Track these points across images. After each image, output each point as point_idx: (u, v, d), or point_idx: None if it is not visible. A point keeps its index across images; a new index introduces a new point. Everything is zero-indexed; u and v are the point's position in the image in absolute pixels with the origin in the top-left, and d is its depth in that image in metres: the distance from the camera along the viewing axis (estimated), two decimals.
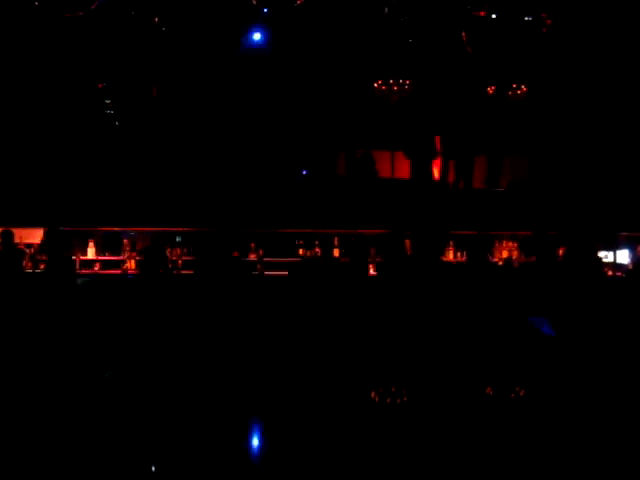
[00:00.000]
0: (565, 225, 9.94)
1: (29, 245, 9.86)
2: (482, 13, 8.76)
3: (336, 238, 10.44)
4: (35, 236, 9.93)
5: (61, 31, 9.77)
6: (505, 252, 10.46)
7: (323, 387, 6.31)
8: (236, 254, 8.54)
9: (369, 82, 11.05)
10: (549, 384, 6.61)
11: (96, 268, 10.10)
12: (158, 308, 7.88)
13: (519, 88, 10.82)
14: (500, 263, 10.14)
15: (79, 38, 10.14)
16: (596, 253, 9.26)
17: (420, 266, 7.84)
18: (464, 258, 10.47)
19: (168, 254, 10.20)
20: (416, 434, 5.08)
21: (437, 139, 11.00)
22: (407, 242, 8.99)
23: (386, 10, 9.24)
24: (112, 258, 10.25)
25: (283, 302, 8.01)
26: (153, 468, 4.43)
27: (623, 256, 10.54)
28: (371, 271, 10.36)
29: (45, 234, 9.61)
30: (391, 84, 10.72)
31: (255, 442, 5.03)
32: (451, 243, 10.54)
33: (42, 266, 9.89)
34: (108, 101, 11.03)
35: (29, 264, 9.60)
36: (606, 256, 10.68)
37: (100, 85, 10.90)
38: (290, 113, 11.36)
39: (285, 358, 7.14)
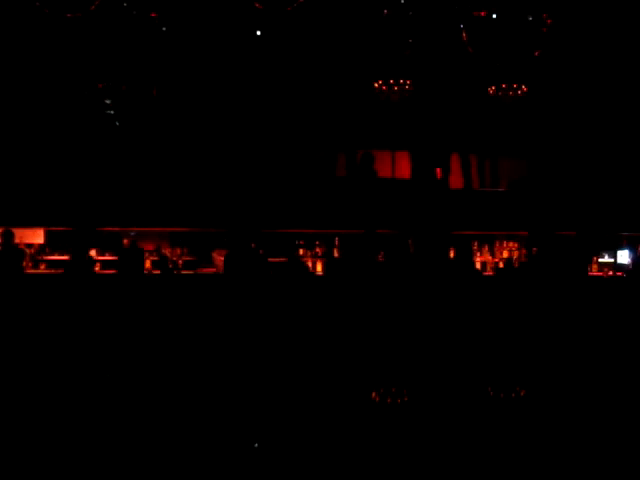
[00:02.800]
0: (564, 225, 9.95)
1: (29, 245, 9.87)
2: (482, 13, 8.77)
3: (337, 238, 10.46)
4: (35, 236, 9.94)
5: (61, 31, 9.77)
6: (505, 252, 10.48)
7: (325, 387, 6.31)
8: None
9: (369, 82, 11.05)
10: (547, 384, 6.61)
11: (96, 268, 10.09)
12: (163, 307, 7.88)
13: (519, 88, 10.82)
14: (500, 265, 10.17)
15: (79, 38, 10.14)
16: (571, 253, 9.26)
17: (423, 265, 7.83)
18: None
19: (168, 254, 10.22)
20: (418, 434, 5.08)
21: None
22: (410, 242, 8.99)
23: (385, 12, 9.26)
24: (112, 258, 10.24)
25: (286, 303, 8.01)
26: (153, 468, 4.42)
27: (623, 256, 10.55)
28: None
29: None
30: (391, 84, 10.72)
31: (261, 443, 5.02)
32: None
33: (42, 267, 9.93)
34: (108, 101, 11.03)
35: (29, 264, 9.62)
36: (603, 255, 10.74)
37: (100, 85, 10.89)
38: (290, 113, 11.36)
39: (288, 358, 7.14)
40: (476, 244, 10.45)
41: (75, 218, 9.73)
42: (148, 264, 9.88)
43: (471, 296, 7.76)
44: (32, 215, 9.61)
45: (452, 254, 9.90)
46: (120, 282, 8.84)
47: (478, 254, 10.45)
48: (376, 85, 10.91)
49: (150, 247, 10.24)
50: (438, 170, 10.89)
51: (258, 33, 10.77)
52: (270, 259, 9.91)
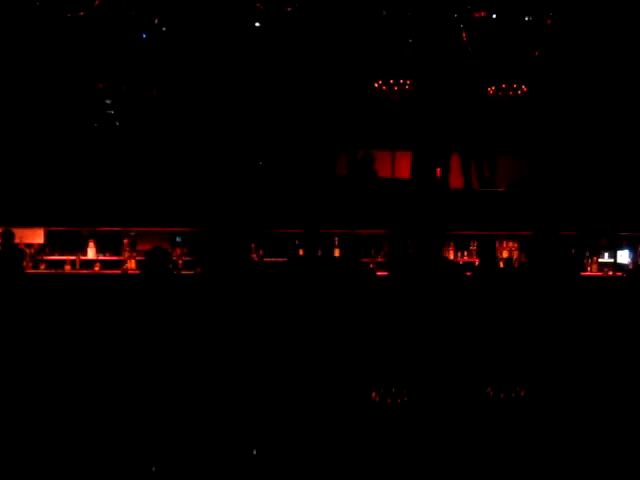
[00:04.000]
0: (564, 225, 9.96)
1: (29, 245, 9.88)
2: (483, 13, 8.77)
3: (336, 238, 10.46)
4: (35, 236, 9.95)
5: (62, 31, 9.77)
6: (505, 252, 10.49)
7: (325, 390, 6.31)
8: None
9: (369, 82, 11.06)
10: (548, 384, 6.61)
11: (96, 268, 10.11)
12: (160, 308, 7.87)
13: (519, 88, 10.84)
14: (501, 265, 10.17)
15: (79, 38, 10.14)
16: (569, 252, 9.26)
17: (423, 266, 7.82)
18: (464, 258, 10.53)
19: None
20: (418, 435, 5.08)
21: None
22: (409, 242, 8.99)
23: (384, 12, 9.26)
24: (112, 258, 10.25)
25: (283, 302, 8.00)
26: (153, 469, 4.43)
27: (623, 256, 10.57)
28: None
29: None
30: (391, 84, 10.74)
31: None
32: (451, 243, 10.58)
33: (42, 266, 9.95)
34: (108, 101, 11.03)
35: (29, 264, 9.63)
36: (603, 255, 10.76)
37: (100, 85, 10.89)
38: (290, 113, 11.36)
39: (286, 360, 7.13)
40: (476, 244, 10.48)
41: (75, 218, 9.74)
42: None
43: (474, 296, 7.76)
44: (32, 215, 9.61)
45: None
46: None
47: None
48: (376, 85, 10.92)
49: (150, 247, 10.24)
50: (438, 170, 10.92)
51: (257, 24, 10.74)
52: (269, 259, 10.01)
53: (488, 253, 7.95)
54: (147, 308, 7.79)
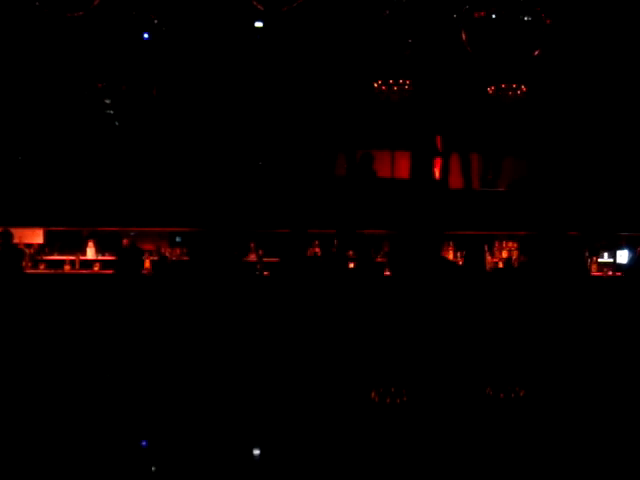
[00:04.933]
0: (564, 225, 9.95)
1: (29, 245, 9.89)
2: (483, 13, 8.75)
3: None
4: (34, 236, 9.95)
5: (61, 31, 9.77)
6: (505, 252, 10.49)
7: (323, 391, 6.31)
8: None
9: (369, 82, 11.06)
10: (545, 385, 6.60)
11: (96, 268, 10.10)
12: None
13: (519, 88, 10.83)
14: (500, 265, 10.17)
15: (79, 38, 10.14)
16: (579, 252, 9.25)
17: (421, 266, 7.82)
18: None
19: (168, 254, 10.22)
20: (418, 435, 5.08)
21: (438, 139, 11.06)
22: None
23: (386, 12, 9.24)
24: (112, 258, 10.24)
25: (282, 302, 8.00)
26: (152, 468, 4.42)
27: (623, 256, 10.56)
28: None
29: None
30: (391, 84, 10.73)
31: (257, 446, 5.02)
32: (451, 243, 10.57)
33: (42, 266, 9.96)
34: (108, 101, 11.03)
35: (29, 264, 9.63)
36: (603, 255, 10.75)
37: (100, 85, 10.89)
38: (290, 113, 11.36)
39: (285, 361, 7.13)
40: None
41: (75, 218, 9.74)
42: (148, 264, 9.89)
43: (471, 296, 7.75)
44: (31, 215, 9.62)
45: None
46: (119, 282, 8.85)
47: None
48: (376, 85, 10.91)
49: (150, 247, 10.25)
50: (436, 170, 10.91)
51: (257, 24, 10.73)
52: (269, 259, 10.00)
53: (474, 253, 7.96)
54: (146, 307, 7.78)
